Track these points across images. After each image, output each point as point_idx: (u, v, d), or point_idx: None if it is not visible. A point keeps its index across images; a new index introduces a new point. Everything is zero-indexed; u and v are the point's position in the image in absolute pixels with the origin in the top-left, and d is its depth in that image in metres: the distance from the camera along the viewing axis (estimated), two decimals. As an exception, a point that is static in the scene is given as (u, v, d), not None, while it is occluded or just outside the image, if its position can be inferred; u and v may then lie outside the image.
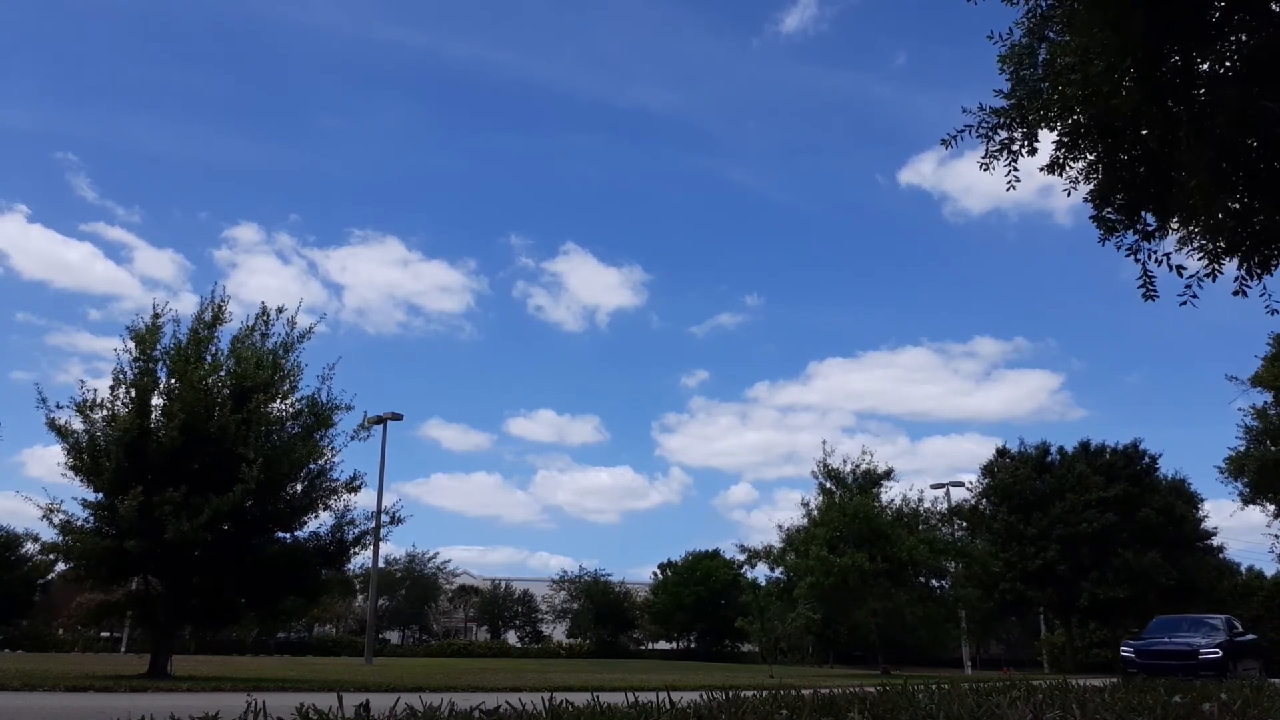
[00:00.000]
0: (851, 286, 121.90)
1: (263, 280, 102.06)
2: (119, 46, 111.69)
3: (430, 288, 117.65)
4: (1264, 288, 6.64)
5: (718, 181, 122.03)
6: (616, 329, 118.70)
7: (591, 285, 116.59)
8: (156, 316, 14.37)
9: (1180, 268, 6.64)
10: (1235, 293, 6.45)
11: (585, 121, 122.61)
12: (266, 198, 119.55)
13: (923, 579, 30.55)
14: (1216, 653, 17.73)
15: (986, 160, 6.78)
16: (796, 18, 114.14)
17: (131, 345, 14.10)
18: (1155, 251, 6.82)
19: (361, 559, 21.05)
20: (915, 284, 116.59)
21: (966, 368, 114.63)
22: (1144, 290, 6.72)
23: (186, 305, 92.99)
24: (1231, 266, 6.57)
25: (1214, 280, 6.54)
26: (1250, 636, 20.51)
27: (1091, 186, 6.87)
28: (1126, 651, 19.08)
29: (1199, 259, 6.58)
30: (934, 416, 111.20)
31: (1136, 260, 6.82)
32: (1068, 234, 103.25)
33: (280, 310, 15.40)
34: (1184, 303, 6.53)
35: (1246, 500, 29.94)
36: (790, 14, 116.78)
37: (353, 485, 15.31)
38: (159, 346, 14.27)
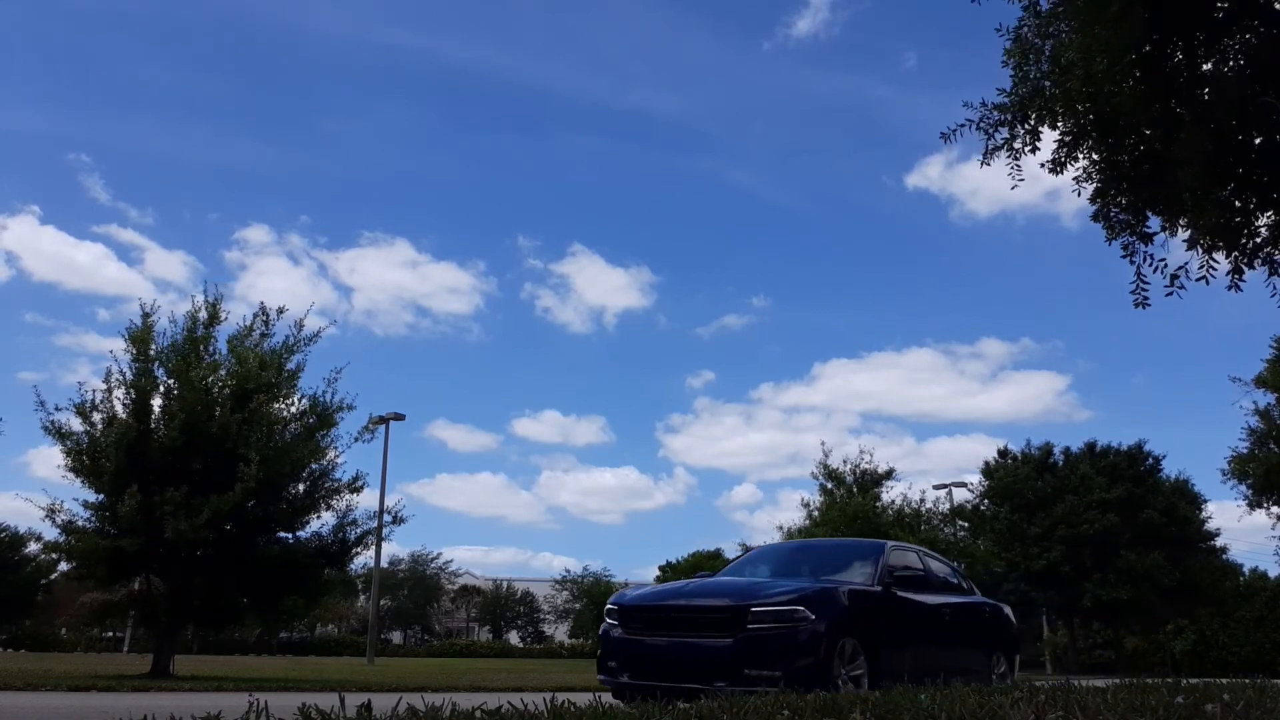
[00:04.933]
0: (857, 288, 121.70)
1: (273, 282, 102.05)
2: (132, 50, 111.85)
3: (439, 289, 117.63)
4: (1273, 286, 6.64)
5: (726, 184, 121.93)
6: (623, 330, 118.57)
7: (599, 286, 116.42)
8: (146, 316, 14.33)
9: (1175, 275, 6.63)
10: (1229, 288, 6.46)
11: (594, 124, 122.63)
12: (277, 199, 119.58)
13: (925, 580, 30.48)
14: (797, 615, 6.59)
15: (987, 157, 6.79)
16: (808, 21, 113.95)
17: (129, 346, 14.11)
18: (1151, 255, 6.80)
19: (364, 559, 21.10)
20: (921, 286, 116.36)
21: (972, 369, 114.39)
22: (1136, 297, 6.67)
23: (195, 307, 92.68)
24: (1225, 266, 6.59)
25: (1207, 284, 6.52)
26: (968, 598, 9.55)
27: (1095, 186, 6.86)
28: (611, 619, 7.48)
29: (1188, 250, 6.60)
30: (940, 417, 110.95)
31: (1132, 263, 6.80)
32: (1074, 236, 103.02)
33: (281, 310, 15.42)
34: (1169, 294, 6.56)
35: (1252, 504, 29.80)
36: (802, 18, 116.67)
37: (355, 485, 15.31)
38: (155, 346, 14.26)
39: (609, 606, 7.59)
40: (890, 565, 8.06)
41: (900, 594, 7.92)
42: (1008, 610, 10.27)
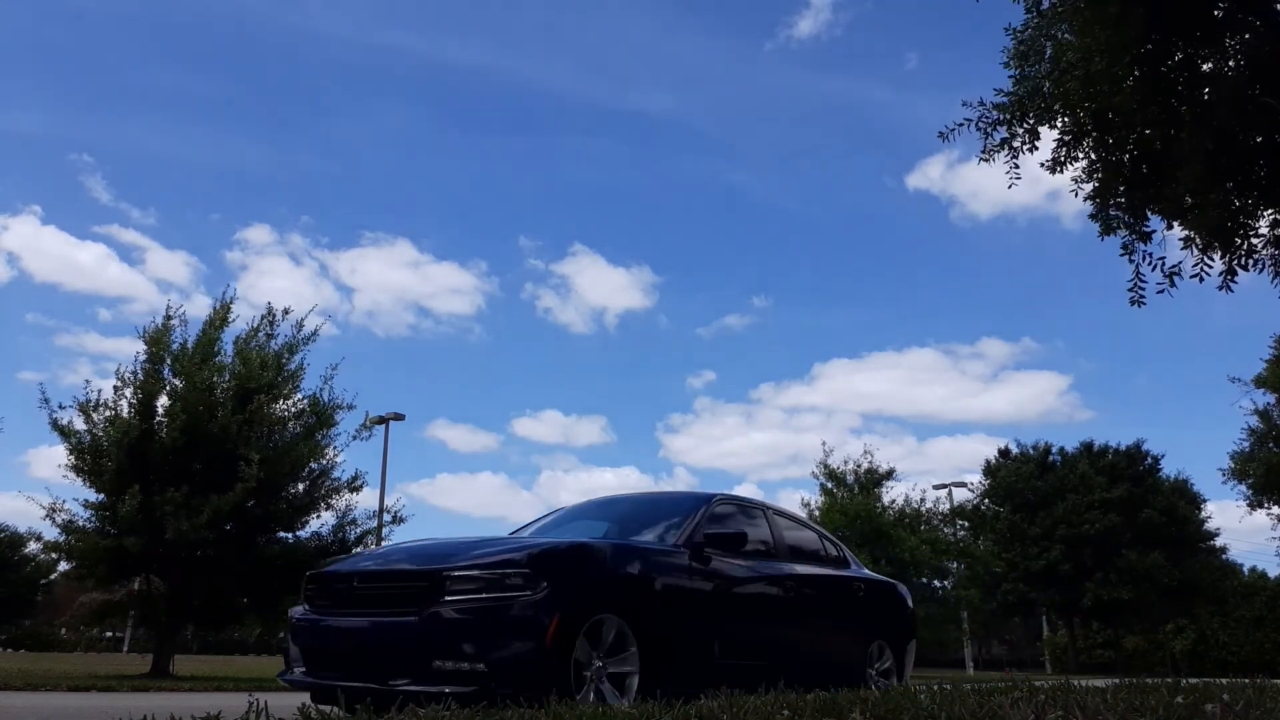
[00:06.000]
0: (857, 288, 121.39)
1: (274, 282, 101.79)
2: (133, 50, 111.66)
3: (440, 289, 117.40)
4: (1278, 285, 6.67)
5: (727, 184, 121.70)
6: (624, 330, 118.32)
7: (600, 286, 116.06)
8: (169, 318, 14.46)
9: (1171, 273, 6.66)
10: (1220, 288, 6.51)
11: (595, 125, 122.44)
12: (279, 199, 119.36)
13: (925, 580, 30.48)
14: (515, 581, 4.68)
15: (987, 155, 6.80)
16: (809, 22, 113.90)
17: (144, 347, 14.18)
18: (1149, 254, 6.83)
19: (363, 559, 21.09)
20: (922, 286, 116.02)
21: (974, 369, 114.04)
22: (1133, 295, 6.71)
23: (198, 307, 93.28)
24: (1219, 265, 6.62)
25: (1200, 281, 6.58)
26: (835, 570, 7.52)
27: (1092, 185, 6.88)
28: (305, 595, 5.48)
29: (1183, 248, 6.64)
30: (941, 418, 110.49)
31: (1131, 261, 6.83)
32: (1075, 237, 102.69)
33: (286, 312, 15.47)
34: (1161, 291, 6.64)
35: (1253, 504, 29.83)
36: (803, 18, 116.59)
37: (354, 485, 15.35)
38: (168, 348, 14.35)
39: (305, 579, 5.62)
40: (710, 522, 6.18)
41: (719, 559, 5.95)
42: (900, 589, 8.30)
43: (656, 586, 5.43)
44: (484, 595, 4.61)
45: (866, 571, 8.25)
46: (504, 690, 4.17)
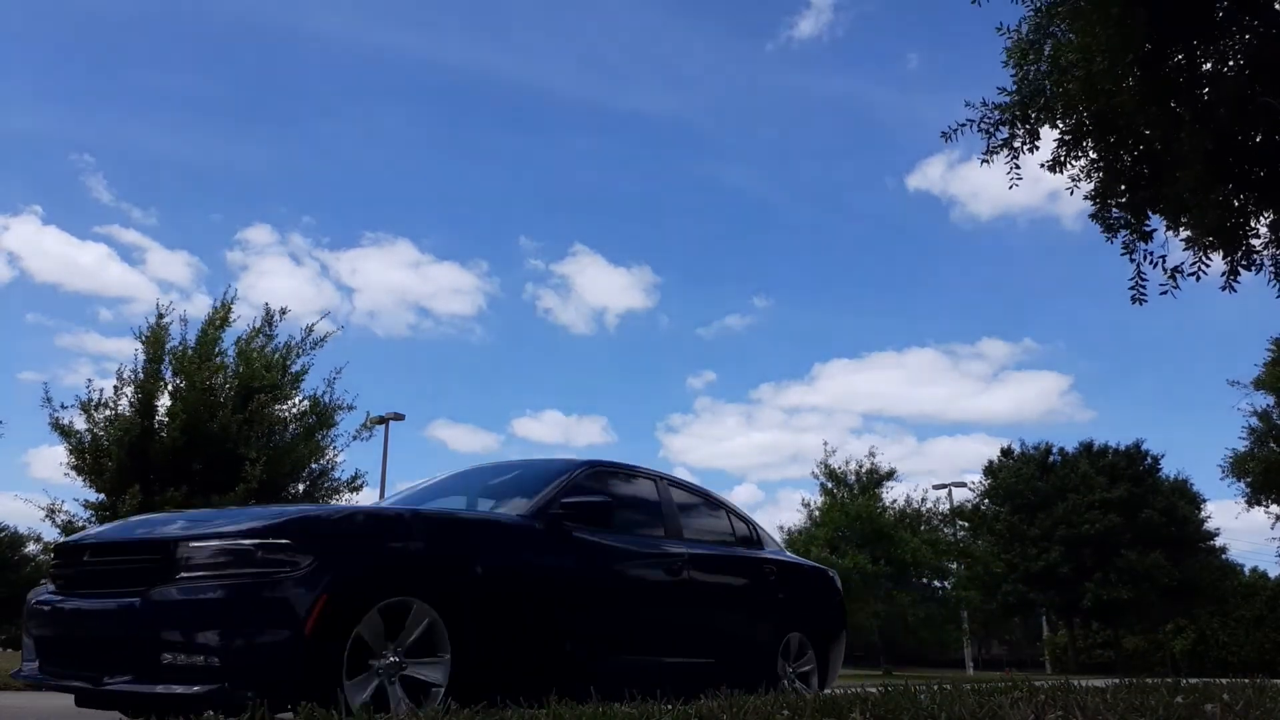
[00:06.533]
0: (858, 288, 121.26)
1: (275, 282, 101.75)
2: (135, 50, 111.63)
3: (441, 290, 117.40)
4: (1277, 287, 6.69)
5: (728, 185, 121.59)
6: (625, 330, 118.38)
7: (600, 287, 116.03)
8: (161, 316, 14.46)
9: (1173, 273, 6.68)
10: (1223, 288, 6.53)
11: (596, 125, 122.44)
12: (280, 200, 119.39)
13: (924, 580, 30.51)
14: (268, 556, 3.68)
15: (987, 156, 6.82)
16: (810, 22, 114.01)
17: (145, 347, 14.18)
18: (1150, 253, 6.86)
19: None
20: (922, 286, 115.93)
21: (974, 369, 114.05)
22: (1134, 293, 6.74)
23: (198, 307, 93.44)
24: (1220, 265, 6.64)
25: (1198, 280, 6.61)
26: (742, 551, 6.55)
27: (1093, 185, 6.89)
28: (39, 594, 4.39)
29: (1185, 249, 6.67)
30: (941, 418, 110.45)
31: (1132, 260, 6.86)
32: (1076, 237, 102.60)
33: (284, 311, 15.48)
34: (1164, 292, 6.69)
35: (1250, 502, 29.92)
36: (804, 19, 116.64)
37: (354, 485, 15.37)
38: (166, 347, 14.35)
39: (53, 552, 4.78)
40: (573, 491, 5.16)
41: (585, 535, 5.04)
42: (829, 575, 7.36)
43: (482, 565, 4.40)
44: (226, 572, 3.67)
45: (787, 554, 7.33)
46: (245, 691, 3.41)
